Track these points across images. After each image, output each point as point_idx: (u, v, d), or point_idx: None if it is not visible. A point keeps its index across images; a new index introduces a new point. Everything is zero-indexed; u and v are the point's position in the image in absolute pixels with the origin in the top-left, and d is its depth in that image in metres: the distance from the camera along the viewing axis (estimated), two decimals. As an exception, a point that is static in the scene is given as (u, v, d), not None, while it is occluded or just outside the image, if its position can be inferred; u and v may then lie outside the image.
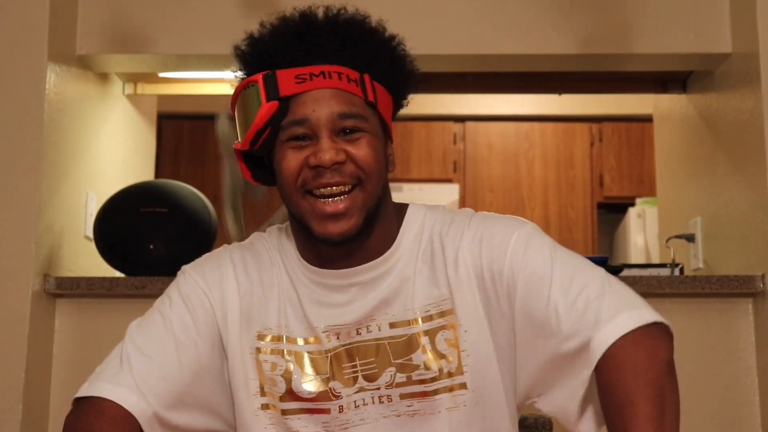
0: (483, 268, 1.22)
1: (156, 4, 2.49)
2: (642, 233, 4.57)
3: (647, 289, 2.27)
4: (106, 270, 2.50)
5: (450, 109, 4.94)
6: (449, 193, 4.79)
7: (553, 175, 4.96)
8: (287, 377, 1.23)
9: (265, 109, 1.18)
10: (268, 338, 1.25)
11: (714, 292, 2.31)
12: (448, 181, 4.95)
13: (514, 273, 1.20)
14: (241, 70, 1.26)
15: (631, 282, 2.25)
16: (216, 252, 1.33)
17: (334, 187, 1.18)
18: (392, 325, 1.23)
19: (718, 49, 2.45)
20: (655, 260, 4.10)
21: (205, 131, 4.97)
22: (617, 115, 4.90)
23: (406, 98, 1.30)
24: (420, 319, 1.22)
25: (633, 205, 4.72)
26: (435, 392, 1.21)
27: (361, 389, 1.23)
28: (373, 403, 1.22)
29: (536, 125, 5.01)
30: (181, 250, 2.28)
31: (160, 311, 1.26)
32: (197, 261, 1.32)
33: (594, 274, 1.19)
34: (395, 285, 1.24)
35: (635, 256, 4.53)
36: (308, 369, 1.23)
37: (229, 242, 1.39)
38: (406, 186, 4.70)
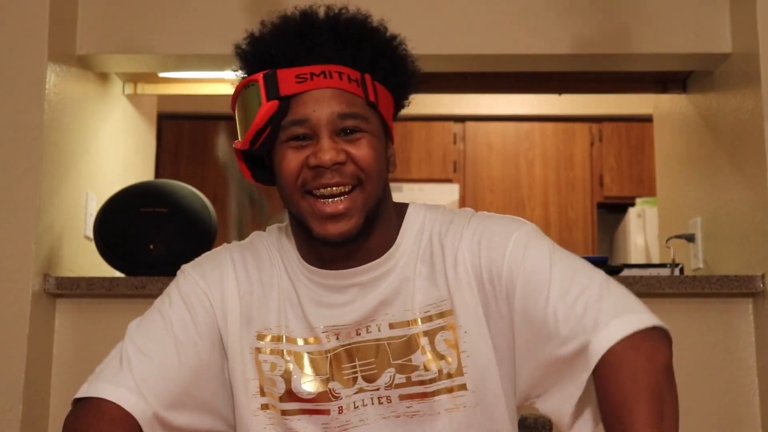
0: (482, 269, 1.21)
1: (156, 4, 2.49)
2: (642, 233, 4.57)
3: (647, 289, 2.27)
4: (106, 270, 2.50)
5: (450, 109, 4.94)
6: (449, 193, 4.79)
7: (553, 175, 4.96)
8: (287, 377, 1.23)
9: (266, 108, 1.17)
10: (268, 338, 1.25)
11: (714, 292, 2.31)
12: (448, 181, 4.95)
13: (513, 274, 1.19)
14: (241, 69, 1.25)
15: (631, 282, 2.25)
16: (216, 251, 1.33)
17: (334, 188, 1.17)
18: (392, 326, 1.22)
19: (718, 49, 2.45)
20: (655, 260, 4.10)
21: (205, 131, 4.98)
22: (617, 115, 4.90)
23: (407, 98, 1.30)
24: (419, 320, 1.22)
25: (633, 205, 4.72)
26: (434, 393, 1.21)
27: (361, 390, 1.22)
28: (373, 404, 1.22)
29: (536, 125, 5.01)
30: (181, 250, 2.28)
31: (160, 311, 1.25)
32: (197, 260, 1.32)
33: (593, 277, 1.19)
34: (395, 285, 1.23)
35: (635, 256, 4.53)
36: (308, 369, 1.23)
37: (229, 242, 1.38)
38: (406, 186, 4.70)
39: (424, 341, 1.21)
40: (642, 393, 1.05)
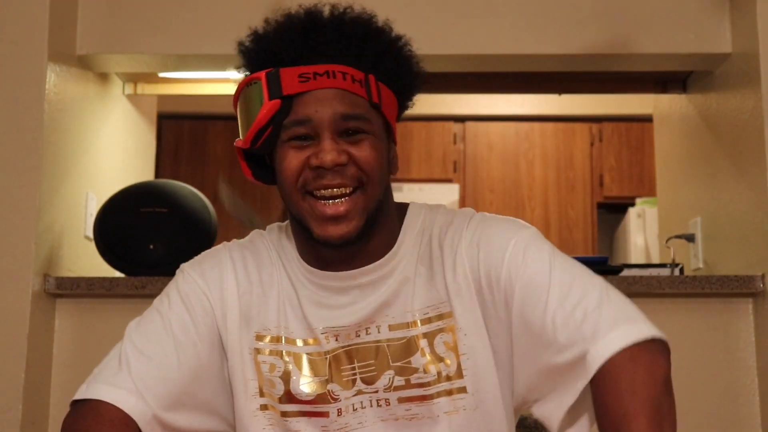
0: (480, 272, 1.20)
1: (156, 4, 2.49)
2: (642, 233, 4.57)
3: (647, 289, 2.27)
4: (106, 270, 2.50)
5: (450, 109, 4.95)
6: (449, 193, 4.79)
7: (553, 175, 4.96)
8: (285, 379, 1.22)
9: (267, 107, 1.16)
10: (267, 339, 1.24)
11: (714, 292, 2.31)
12: (448, 181, 4.95)
13: (512, 279, 1.17)
14: (244, 66, 1.24)
15: (631, 282, 2.25)
16: (215, 249, 1.31)
17: (335, 189, 1.16)
18: (391, 328, 1.22)
19: (718, 49, 2.45)
20: (655, 260, 4.10)
21: (205, 131, 4.98)
22: (617, 115, 4.91)
23: (411, 100, 1.28)
24: (419, 321, 1.21)
25: (633, 205, 4.72)
26: (433, 396, 1.20)
27: (360, 392, 1.21)
28: (371, 406, 1.21)
29: (536, 125, 5.01)
30: (181, 250, 2.28)
31: (159, 311, 1.24)
32: (196, 259, 1.30)
33: (593, 284, 1.16)
34: (395, 287, 1.22)
35: (635, 256, 4.53)
36: (306, 370, 1.22)
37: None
38: (406, 186, 4.71)
39: (423, 343, 1.20)
40: (641, 406, 1.04)
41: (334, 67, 1.16)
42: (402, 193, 4.58)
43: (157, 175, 3.59)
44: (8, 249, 2.20)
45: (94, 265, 2.51)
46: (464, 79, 2.82)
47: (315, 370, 1.22)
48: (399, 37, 1.25)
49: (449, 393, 1.20)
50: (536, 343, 1.15)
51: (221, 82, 2.99)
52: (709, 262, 2.61)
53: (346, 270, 1.22)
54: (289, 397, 1.23)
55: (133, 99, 2.99)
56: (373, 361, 1.21)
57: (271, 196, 4.78)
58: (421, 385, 1.20)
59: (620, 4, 2.48)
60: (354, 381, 1.22)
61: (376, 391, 1.21)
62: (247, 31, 1.24)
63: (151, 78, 2.88)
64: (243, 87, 1.20)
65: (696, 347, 2.30)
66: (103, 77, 2.70)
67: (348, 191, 1.16)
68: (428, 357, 1.20)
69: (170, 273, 1.31)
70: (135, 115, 3.04)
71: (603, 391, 1.08)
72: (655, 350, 1.10)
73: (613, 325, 1.10)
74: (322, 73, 1.16)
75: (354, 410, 1.21)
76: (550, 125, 5.01)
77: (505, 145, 5.01)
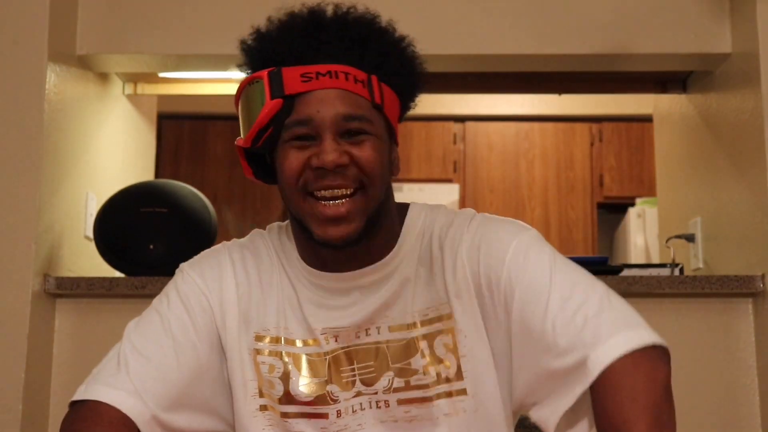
0: (480, 274, 1.19)
1: (156, 4, 2.49)
2: (642, 233, 4.57)
3: (647, 289, 2.27)
4: (106, 270, 2.50)
5: (450, 109, 4.95)
6: (449, 193, 4.79)
7: (553, 175, 4.96)
8: (285, 380, 1.22)
9: (269, 107, 1.15)
10: (267, 340, 1.24)
11: (714, 292, 2.31)
12: (448, 181, 4.95)
13: (512, 282, 1.17)
14: (246, 64, 1.23)
15: (631, 282, 2.25)
16: (215, 249, 1.31)
17: (336, 190, 1.15)
18: (391, 329, 1.21)
19: (718, 49, 2.45)
20: (655, 260, 4.10)
21: (205, 131, 4.98)
22: (617, 115, 4.91)
23: (413, 101, 1.27)
24: (419, 323, 1.21)
25: (633, 205, 4.72)
26: (432, 398, 1.19)
27: (359, 393, 1.21)
28: (371, 408, 1.21)
29: (536, 125, 5.01)
30: (181, 250, 2.27)
31: (158, 311, 1.24)
32: (196, 259, 1.30)
33: (594, 289, 1.16)
34: (395, 288, 1.22)
35: (635, 256, 4.53)
36: (305, 371, 1.22)
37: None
38: (406, 186, 4.71)
39: (423, 345, 1.20)
40: (641, 413, 1.03)
41: (336, 67, 1.15)
42: (402, 193, 4.58)
43: (157, 175, 3.59)
44: (8, 249, 2.20)
45: (94, 265, 2.51)
46: (464, 79, 2.82)
47: (314, 371, 1.22)
48: (402, 38, 1.24)
49: (449, 395, 1.20)
50: (535, 347, 1.15)
51: (221, 82, 2.99)
52: (709, 262, 2.61)
53: (347, 271, 1.22)
54: (288, 398, 1.22)
55: (133, 99, 2.99)
56: (372, 363, 1.21)
57: (272, 196, 4.78)
58: (420, 387, 1.20)
59: (620, 4, 2.48)
60: (353, 382, 1.21)
61: (376, 393, 1.21)
62: (248, 31, 1.23)
63: (151, 78, 2.88)
64: (245, 86, 1.19)
65: (696, 347, 2.30)
66: (103, 77, 2.70)
67: (349, 192, 1.16)
68: (428, 359, 1.20)
69: (170, 273, 1.30)
70: (135, 115, 3.04)
71: (603, 396, 1.07)
72: (655, 357, 1.09)
73: (614, 330, 1.10)
74: (324, 73, 1.15)
75: (353, 412, 1.21)
76: (550, 125, 5.01)
77: (505, 145, 5.02)
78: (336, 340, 1.22)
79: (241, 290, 1.25)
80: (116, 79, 2.82)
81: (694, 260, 2.67)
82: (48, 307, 2.29)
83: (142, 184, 2.56)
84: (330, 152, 1.14)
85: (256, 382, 1.24)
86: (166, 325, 1.22)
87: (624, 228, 4.77)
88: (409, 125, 4.95)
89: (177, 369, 1.19)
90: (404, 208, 1.29)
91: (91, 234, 2.47)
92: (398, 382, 1.20)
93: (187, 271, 1.27)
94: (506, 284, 1.17)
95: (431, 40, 2.47)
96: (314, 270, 1.23)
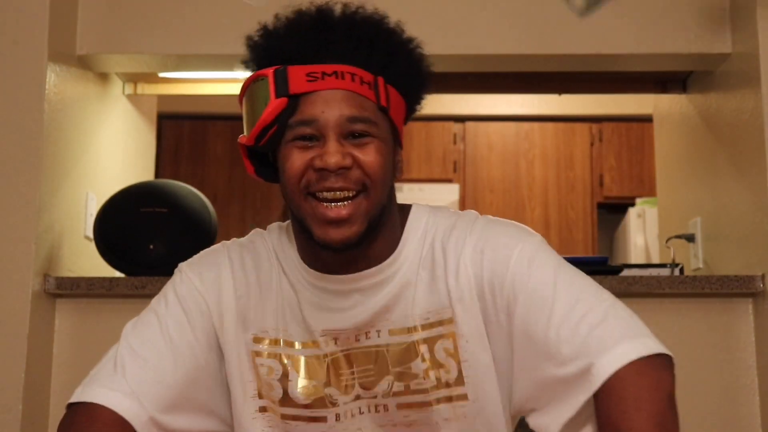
0: (484, 279, 1.18)
1: (156, 4, 2.49)
2: (642, 233, 4.57)
3: (647, 289, 2.27)
4: (106, 270, 2.50)
5: (450, 109, 4.95)
6: (449, 193, 4.79)
7: (553, 175, 4.96)
8: (284, 382, 1.21)
9: (273, 105, 1.14)
10: (266, 342, 1.23)
11: (714, 292, 2.31)
12: (448, 181, 4.95)
13: (516, 288, 1.16)
14: (251, 61, 1.21)
15: (631, 282, 2.25)
16: (214, 249, 1.30)
17: (338, 192, 1.14)
18: (392, 332, 1.20)
19: (718, 49, 2.45)
20: (655, 260, 4.10)
21: (205, 131, 4.98)
22: (617, 115, 4.91)
23: (419, 103, 1.26)
24: (420, 327, 1.20)
25: (633, 205, 4.72)
26: (432, 403, 1.19)
27: (358, 397, 1.20)
28: (369, 412, 1.20)
29: (536, 125, 5.01)
30: (181, 250, 2.27)
31: (156, 312, 1.23)
32: (194, 259, 1.29)
33: (599, 296, 1.15)
34: (396, 291, 1.21)
35: (635, 256, 4.53)
36: (304, 374, 1.21)
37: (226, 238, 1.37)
38: (406, 186, 4.71)
39: (423, 348, 1.19)
40: (647, 422, 1.03)
41: (342, 68, 1.14)
42: (402, 193, 4.58)
43: (157, 175, 3.59)
44: (8, 249, 2.20)
45: (94, 265, 2.51)
46: (464, 79, 2.82)
47: (313, 374, 1.21)
48: (410, 39, 1.23)
49: (449, 399, 1.19)
50: (537, 354, 1.14)
51: (221, 82, 2.99)
52: (709, 262, 2.61)
53: (347, 273, 1.21)
54: (287, 400, 1.22)
55: (133, 99, 2.99)
56: (372, 366, 1.20)
57: (272, 196, 4.77)
58: (420, 392, 1.19)
59: (620, 4, 2.48)
60: (353, 386, 1.20)
61: (375, 397, 1.20)
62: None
63: (151, 78, 2.88)
64: (249, 83, 1.18)
65: (696, 347, 2.30)
66: (103, 77, 2.70)
67: (351, 195, 1.14)
68: (428, 363, 1.19)
69: (170, 273, 1.30)
70: (135, 115, 3.04)
71: (607, 404, 1.07)
72: (660, 366, 1.09)
73: (619, 339, 1.09)
74: (330, 73, 1.14)
75: (352, 416, 1.20)
76: (550, 125, 5.01)
77: (505, 145, 5.02)
78: (336, 343, 1.21)
79: (239, 291, 1.24)
80: (116, 79, 2.82)
81: (694, 260, 2.67)
82: (48, 307, 2.29)
83: (142, 184, 2.56)
84: (333, 154, 1.13)
85: (255, 383, 1.23)
86: (163, 326, 1.21)
87: (624, 228, 4.77)
88: (409, 125, 4.86)
89: (174, 371, 1.19)
90: (406, 209, 1.27)
91: (91, 234, 2.47)
92: (398, 386, 1.19)
93: (186, 272, 1.26)
94: (510, 290, 1.16)
95: (431, 40, 2.46)
96: (315, 272, 1.22)
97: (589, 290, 1.16)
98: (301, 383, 1.21)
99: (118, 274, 2.44)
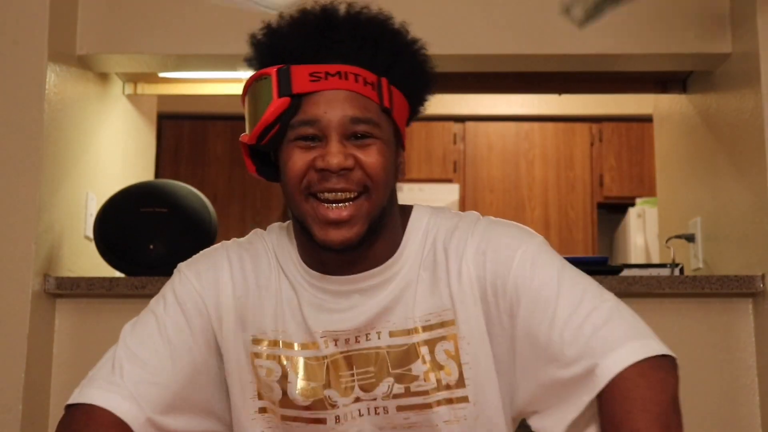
0: (486, 280, 1.18)
1: (156, 4, 2.49)
2: (642, 233, 4.57)
3: (647, 289, 2.27)
4: (106, 270, 2.50)
5: (450, 109, 4.95)
6: (449, 193, 4.79)
7: (553, 175, 4.96)
8: (283, 383, 1.21)
9: (276, 105, 1.13)
10: (265, 343, 1.22)
11: (714, 292, 2.31)
12: (448, 181, 4.95)
13: (519, 290, 1.16)
14: (255, 59, 1.20)
15: (631, 282, 2.25)
16: (214, 249, 1.29)
17: (340, 193, 1.13)
18: (392, 334, 1.19)
19: (718, 49, 2.45)
20: (655, 260, 4.10)
21: (205, 131, 4.98)
22: (617, 115, 4.91)
23: (423, 105, 1.26)
24: (420, 328, 1.19)
25: (633, 205, 4.71)
26: (432, 405, 1.18)
27: (358, 399, 1.20)
28: (369, 414, 1.20)
29: (536, 125, 5.01)
30: (181, 250, 2.27)
31: (155, 313, 1.23)
32: (194, 258, 1.29)
33: (602, 298, 1.15)
34: (397, 292, 1.20)
35: (635, 256, 4.53)
36: (302, 375, 1.20)
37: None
38: (406, 186, 4.71)
39: (424, 350, 1.18)
40: (651, 423, 1.03)
41: (346, 68, 1.14)
42: (402, 193, 4.53)
43: (157, 175, 3.59)
44: (8, 249, 2.20)
45: (94, 265, 2.51)
46: (464, 79, 2.82)
47: (311, 375, 1.20)
48: (415, 41, 1.22)
49: (450, 402, 1.19)
50: (541, 356, 1.14)
51: (221, 82, 2.99)
52: (709, 262, 2.61)
53: (348, 274, 1.20)
54: (287, 401, 1.21)
55: (133, 99, 2.98)
56: (372, 369, 1.19)
57: (272, 196, 4.77)
58: (420, 394, 1.18)
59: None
60: (352, 388, 1.20)
61: (375, 399, 1.20)
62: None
63: (151, 78, 2.88)
64: (252, 81, 1.17)
65: (696, 347, 2.30)
66: (103, 77, 2.70)
67: (352, 196, 1.14)
68: (428, 365, 1.18)
69: (170, 273, 1.30)
70: (135, 115, 3.04)
71: (611, 405, 1.07)
72: (665, 367, 1.09)
73: (623, 340, 1.09)
74: (333, 73, 1.13)
75: (352, 418, 1.20)
76: (550, 125, 5.01)
77: (505, 145, 5.02)
78: (335, 344, 1.20)
79: (238, 292, 1.23)
80: (116, 79, 2.82)
81: (694, 260, 2.67)
82: (48, 307, 2.29)
83: (142, 184, 2.56)
84: (335, 154, 1.12)
85: (254, 384, 1.23)
86: (162, 327, 1.21)
87: (624, 228, 4.77)
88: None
89: (172, 372, 1.19)
90: (407, 210, 1.27)
91: (91, 234, 2.46)
92: (398, 389, 1.19)
93: (184, 272, 1.26)
94: (512, 291, 1.16)
95: (431, 40, 2.46)
96: (315, 272, 1.22)
97: (592, 291, 1.16)
98: (300, 385, 1.20)
99: (118, 274, 2.44)
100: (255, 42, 1.21)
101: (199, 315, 1.22)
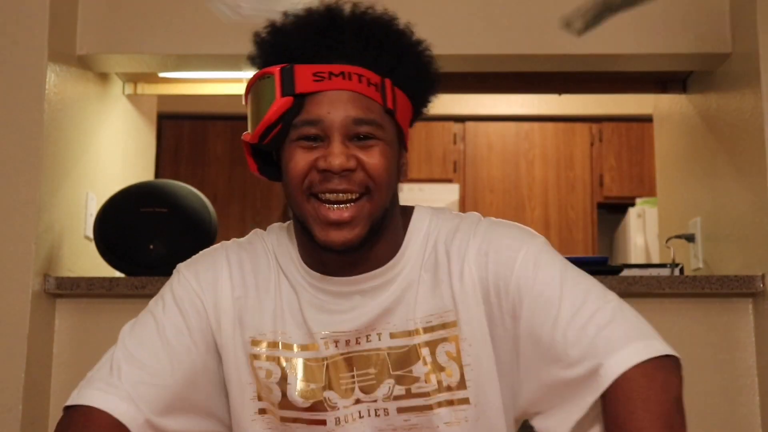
0: (489, 281, 1.17)
1: (156, 4, 2.49)
2: (642, 233, 4.57)
3: (647, 289, 2.27)
4: (106, 270, 2.50)
5: (450, 109, 4.95)
6: (449, 193, 4.79)
7: (553, 175, 4.96)
8: (282, 385, 1.20)
9: (279, 104, 1.13)
10: (264, 344, 1.21)
11: (714, 292, 2.31)
12: (448, 181, 4.95)
13: (521, 291, 1.15)
14: (258, 58, 1.20)
15: (631, 282, 2.25)
16: (213, 249, 1.29)
17: (341, 194, 1.13)
18: (393, 335, 1.19)
19: (718, 49, 2.45)
20: (655, 260, 4.10)
21: (205, 131, 4.98)
22: (617, 115, 4.91)
23: (426, 106, 1.25)
24: (421, 329, 1.19)
25: (633, 205, 4.72)
26: (433, 406, 1.18)
27: (358, 401, 1.19)
28: (369, 416, 1.19)
29: (536, 125, 5.01)
30: (181, 250, 2.27)
31: (153, 314, 1.23)
32: (193, 259, 1.28)
33: (605, 298, 1.15)
34: (398, 294, 1.20)
35: (635, 256, 4.53)
36: (302, 376, 1.20)
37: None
38: (406, 186, 4.69)
39: (425, 352, 1.18)
40: (655, 423, 1.03)
41: (350, 68, 1.13)
42: (402, 193, 4.53)
43: (157, 175, 3.58)
44: (8, 249, 2.20)
45: (94, 265, 2.51)
46: (464, 79, 2.82)
47: (311, 377, 1.20)
48: (419, 42, 1.22)
49: (450, 403, 1.18)
50: (544, 357, 1.14)
51: (221, 82, 2.99)
52: (709, 262, 2.61)
53: (349, 275, 1.20)
54: (286, 403, 1.21)
55: (133, 99, 2.98)
56: (372, 370, 1.19)
57: (272, 196, 4.77)
58: (421, 395, 1.18)
59: (620, 4, 2.48)
60: (352, 390, 1.19)
61: (375, 401, 1.19)
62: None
63: (151, 78, 2.88)
64: (255, 80, 1.17)
65: (696, 347, 2.30)
66: (103, 77, 2.70)
67: (354, 197, 1.14)
68: (429, 366, 1.18)
69: (170, 273, 1.29)
70: (135, 115, 3.04)
71: (615, 405, 1.06)
72: (668, 368, 1.09)
73: (627, 340, 1.09)
74: (337, 73, 1.13)
75: (352, 419, 1.20)
76: (550, 125, 5.01)
77: (505, 145, 5.02)
78: (336, 346, 1.20)
79: (236, 293, 1.23)
80: (116, 79, 2.82)
81: (694, 260, 2.67)
82: (48, 307, 2.29)
83: (142, 184, 2.56)
84: (338, 155, 1.12)
85: (254, 385, 1.22)
86: (160, 328, 1.21)
87: (624, 228, 4.77)
88: (409, 125, 4.94)
89: (171, 373, 1.18)
90: (408, 211, 1.27)
91: (91, 234, 2.46)
92: (398, 390, 1.18)
93: (183, 273, 1.26)
94: (515, 292, 1.16)
95: (431, 40, 2.47)
96: (316, 273, 1.21)
97: (595, 291, 1.16)
98: (299, 386, 1.20)
99: (118, 274, 2.44)
100: (259, 40, 1.20)
101: (197, 316, 1.22)
